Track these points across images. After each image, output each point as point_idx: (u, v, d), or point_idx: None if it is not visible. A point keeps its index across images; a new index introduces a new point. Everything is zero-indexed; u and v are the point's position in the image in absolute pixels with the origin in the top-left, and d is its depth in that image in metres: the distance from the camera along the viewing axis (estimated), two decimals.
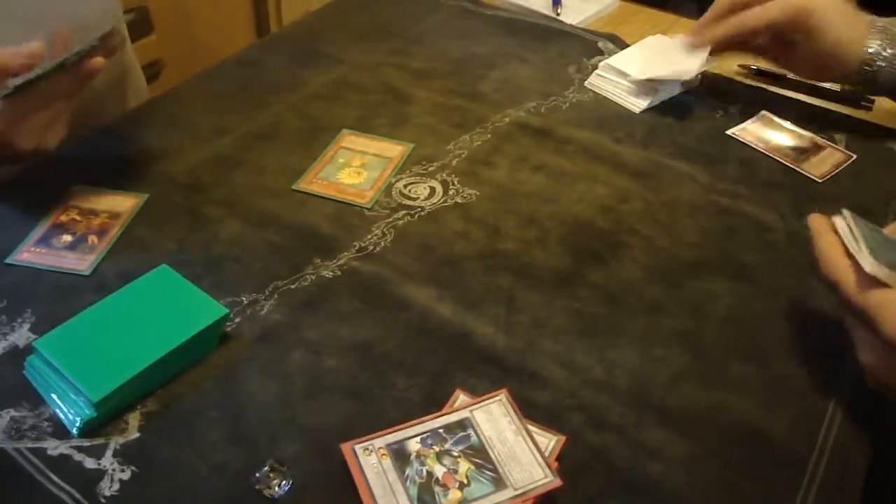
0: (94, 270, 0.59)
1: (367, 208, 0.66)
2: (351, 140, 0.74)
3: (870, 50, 0.73)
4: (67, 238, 0.62)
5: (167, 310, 0.54)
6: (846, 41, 0.73)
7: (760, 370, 0.55)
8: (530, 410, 0.50)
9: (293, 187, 0.68)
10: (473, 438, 0.48)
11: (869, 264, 0.48)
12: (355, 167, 0.70)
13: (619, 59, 0.85)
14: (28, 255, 0.60)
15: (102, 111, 0.80)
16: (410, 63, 0.87)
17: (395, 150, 0.73)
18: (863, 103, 0.85)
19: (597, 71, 0.85)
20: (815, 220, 0.54)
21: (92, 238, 0.62)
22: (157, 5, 1.30)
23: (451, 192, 0.69)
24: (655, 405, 0.52)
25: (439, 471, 0.46)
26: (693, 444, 0.50)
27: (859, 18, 0.74)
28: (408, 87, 0.83)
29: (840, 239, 0.51)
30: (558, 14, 1.00)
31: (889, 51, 0.73)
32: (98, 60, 0.60)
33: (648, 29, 0.94)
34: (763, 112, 0.82)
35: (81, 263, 0.60)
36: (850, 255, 0.50)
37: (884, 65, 0.73)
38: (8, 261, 0.60)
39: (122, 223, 0.63)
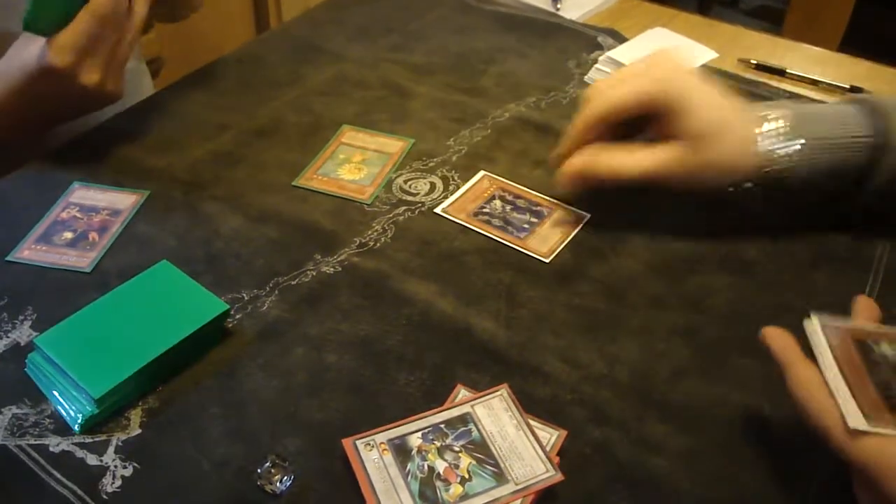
0: (95, 267, 0.59)
1: (366, 204, 0.66)
2: (351, 136, 0.74)
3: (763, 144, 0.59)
4: (68, 235, 0.62)
5: (168, 306, 0.54)
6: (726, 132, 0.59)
7: (761, 364, 0.54)
8: (531, 405, 0.50)
9: (293, 183, 0.68)
10: (475, 433, 0.48)
11: (854, 419, 0.41)
12: (356, 163, 0.70)
13: (619, 53, 0.84)
14: (29, 252, 0.60)
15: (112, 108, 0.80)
16: (410, 58, 0.87)
17: (395, 145, 0.73)
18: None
19: (597, 65, 0.85)
20: (776, 339, 0.47)
21: (93, 235, 0.62)
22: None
23: (451, 188, 0.69)
24: (656, 399, 0.52)
25: (441, 466, 0.46)
26: (694, 438, 0.50)
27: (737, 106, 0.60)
28: (408, 83, 0.83)
29: (816, 361, 0.45)
30: (558, 9, 1.00)
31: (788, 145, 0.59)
32: None
33: (648, 23, 0.94)
34: None
35: (82, 260, 0.60)
36: (829, 394, 0.43)
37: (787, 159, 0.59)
38: (9, 258, 0.60)
39: (122, 220, 0.63)
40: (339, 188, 0.67)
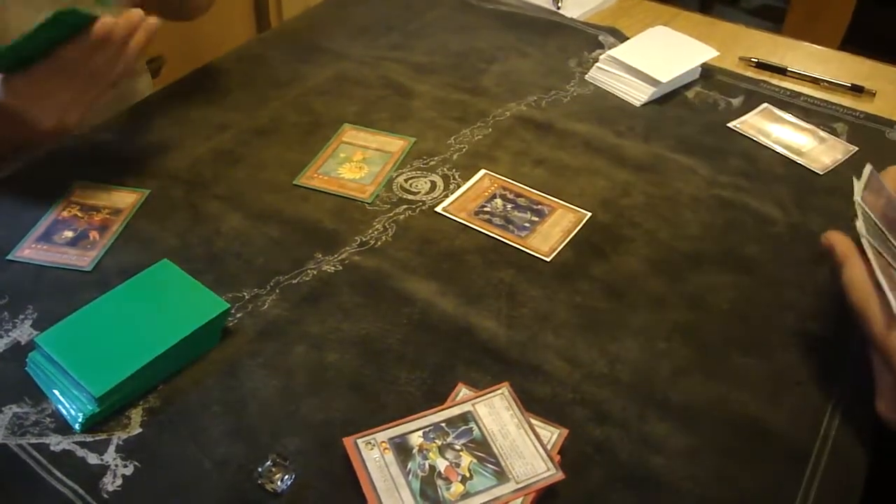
0: (96, 266, 0.59)
1: (367, 203, 0.66)
2: (352, 135, 0.73)
3: None
4: (69, 234, 0.62)
5: (169, 305, 0.54)
6: None
7: (762, 363, 0.54)
8: (532, 404, 0.50)
9: (295, 182, 0.68)
10: (476, 432, 0.48)
11: None
12: (356, 162, 0.70)
13: (620, 52, 0.84)
14: (30, 251, 0.60)
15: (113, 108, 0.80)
16: (411, 57, 0.87)
17: (396, 144, 0.73)
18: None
19: (598, 64, 0.85)
20: (839, 241, 0.50)
21: (93, 234, 0.62)
22: None
23: (451, 187, 0.68)
24: (657, 398, 0.52)
25: (442, 464, 0.46)
26: (695, 437, 0.50)
27: None
28: (408, 82, 0.83)
29: (869, 265, 0.48)
30: (558, 8, 1.00)
31: None
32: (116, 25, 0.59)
33: (649, 22, 0.94)
34: (765, 105, 0.82)
35: (83, 259, 0.60)
36: (878, 287, 0.47)
37: None
38: (9, 257, 0.60)
39: (123, 219, 0.63)
40: (339, 187, 0.67)
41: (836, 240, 0.51)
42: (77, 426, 0.48)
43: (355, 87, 0.82)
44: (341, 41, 0.90)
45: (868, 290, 0.47)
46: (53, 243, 0.61)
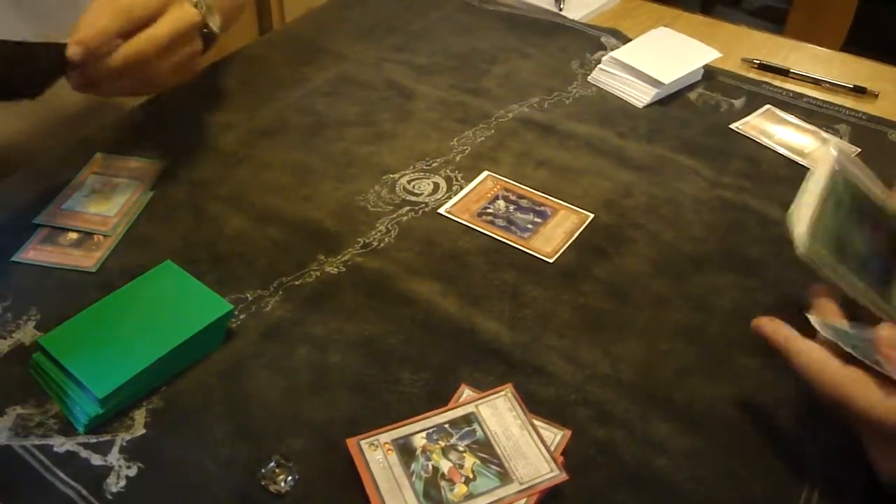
0: (100, 267, 0.59)
1: (107, 234, 0.61)
2: (105, 164, 0.69)
3: None
4: (73, 235, 0.62)
5: (172, 306, 0.54)
6: None
7: (765, 364, 0.54)
8: (536, 405, 0.50)
9: (34, 221, 0.62)
10: (479, 433, 0.48)
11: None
12: (104, 192, 0.65)
13: (622, 53, 0.84)
14: (34, 252, 0.60)
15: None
16: (413, 59, 0.87)
17: (148, 169, 0.68)
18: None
19: (600, 65, 0.85)
20: (774, 330, 0.46)
21: (97, 236, 0.62)
22: None
23: (454, 188, 0.69)
24: (661, 399, 0.52)
25: (445, 465, 0.46)
26: (699, 438, 0.50)
27: None
28: (411, 83, 0.83)
29: (819, 339, 0.45)
30: (560, 9, 1.00)
31: None
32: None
33: (651, 23, 0.94)
34: (767, 106, 0.82)
35: (88, 260, 0.60)
36: (844, 357, 0.43)
37: None
38: (14, 259, 0.60)
39: (127, 220, 0.63)
40: (82, 222, 0.62)
41: (767, 327, 0.47)
42: (81, 427, 0.48)
43: (357, 88, 0.82)
44: (343, 42, 0.90)
45: (835, 370, 0.42)
46: (58, 244, 0.61)
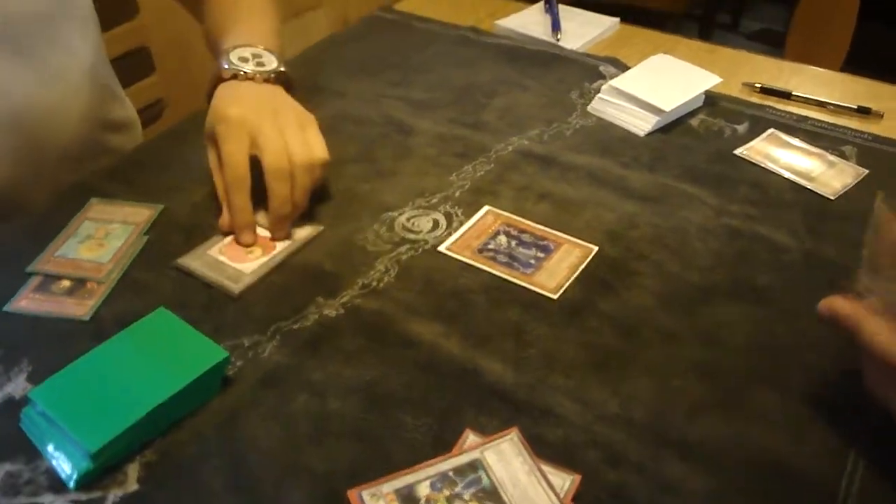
0: (93, 315, 0.58)
1: (100, 281, 0.60)
2: (99, 209, 0.68)
3: None
4: (66, 283, 0.61)
5: (166, 354, 0.52)
6: None
7: (783, 398, 0.52)
8: (543, 448, 0.48)
9: (27, 269, 0.61)
10: (485, 480, 0.46)
11: None
12: (98, 239, 0.64)
13: (622, 81, 0.84)
14: (26, 302, 0.59)
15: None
16: (411, 94, 0.86)
17: (142, 214, 0.68)
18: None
19: (599, 95, 0.84)
20: (839, 303, 0.46)
21: (90, 283, 0.61)
22: (157, 45, 1.31)
23: (454, 224, 0.67)
24: (674, 439, 0.50)
25: None
26: (715, 478, 0.47)
27: None
28: (409, 119, 0.82)
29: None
30: (558, 39, 0.99)
31: None
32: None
33: (649, 51, 0.93)
34: (771, 130, 0.81)
35: (80, 308, 0.58)
36: None
37: None
38: (6, 309, 0.58)
39: (121, 266, 0.62)
40: (74, 269, 0.62)
41: (840, 306, 0.46)
42: (71, 484, 0.46)
43: (355, 125, 0.81)
44: (340, 80, 0.89)
45: None
46: (51, 293, 0.60)
